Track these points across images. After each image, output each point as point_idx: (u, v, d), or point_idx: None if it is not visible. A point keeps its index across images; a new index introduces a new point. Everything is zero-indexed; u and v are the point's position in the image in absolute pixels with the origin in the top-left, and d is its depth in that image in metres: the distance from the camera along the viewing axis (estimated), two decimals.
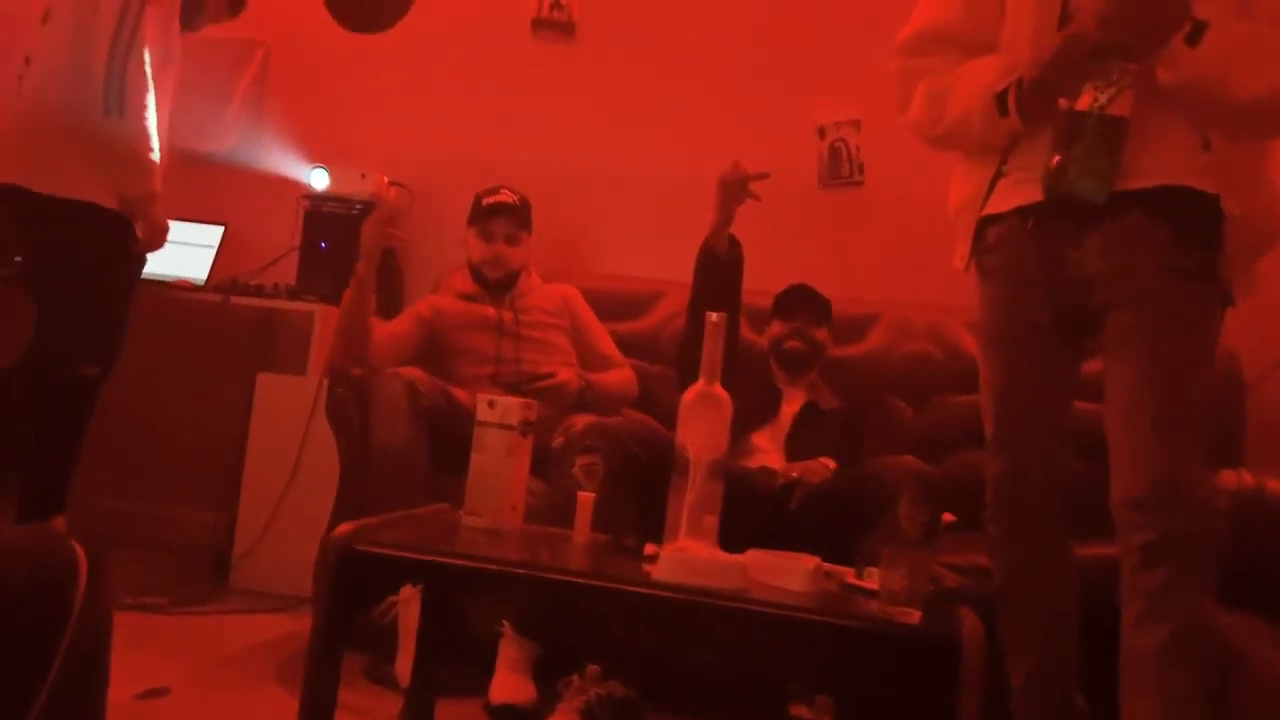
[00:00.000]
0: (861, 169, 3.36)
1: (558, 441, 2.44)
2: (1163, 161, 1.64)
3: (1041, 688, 1.72)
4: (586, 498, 1.81)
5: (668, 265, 3.04)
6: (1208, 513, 1.59)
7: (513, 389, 2.54)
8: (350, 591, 1.54)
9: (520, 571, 1.53)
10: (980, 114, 1.75)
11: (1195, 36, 1.57)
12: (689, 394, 1.78)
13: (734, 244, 2.63)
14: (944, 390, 2.96)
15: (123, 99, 2.43)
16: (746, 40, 3.43)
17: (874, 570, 1.63)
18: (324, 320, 3.19)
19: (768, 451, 2.58)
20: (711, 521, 1.68)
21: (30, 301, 2.49)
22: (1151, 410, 1.60)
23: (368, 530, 1.58)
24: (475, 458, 1.79)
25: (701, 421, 1.73)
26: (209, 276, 3.39)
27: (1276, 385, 2.89)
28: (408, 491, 2.29)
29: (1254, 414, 2.80)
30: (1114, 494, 1.61)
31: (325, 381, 2.72)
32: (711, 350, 1.77)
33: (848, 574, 1.67)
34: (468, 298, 2.91)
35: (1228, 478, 2.13)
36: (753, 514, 2.05)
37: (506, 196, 2.91)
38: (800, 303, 2.76)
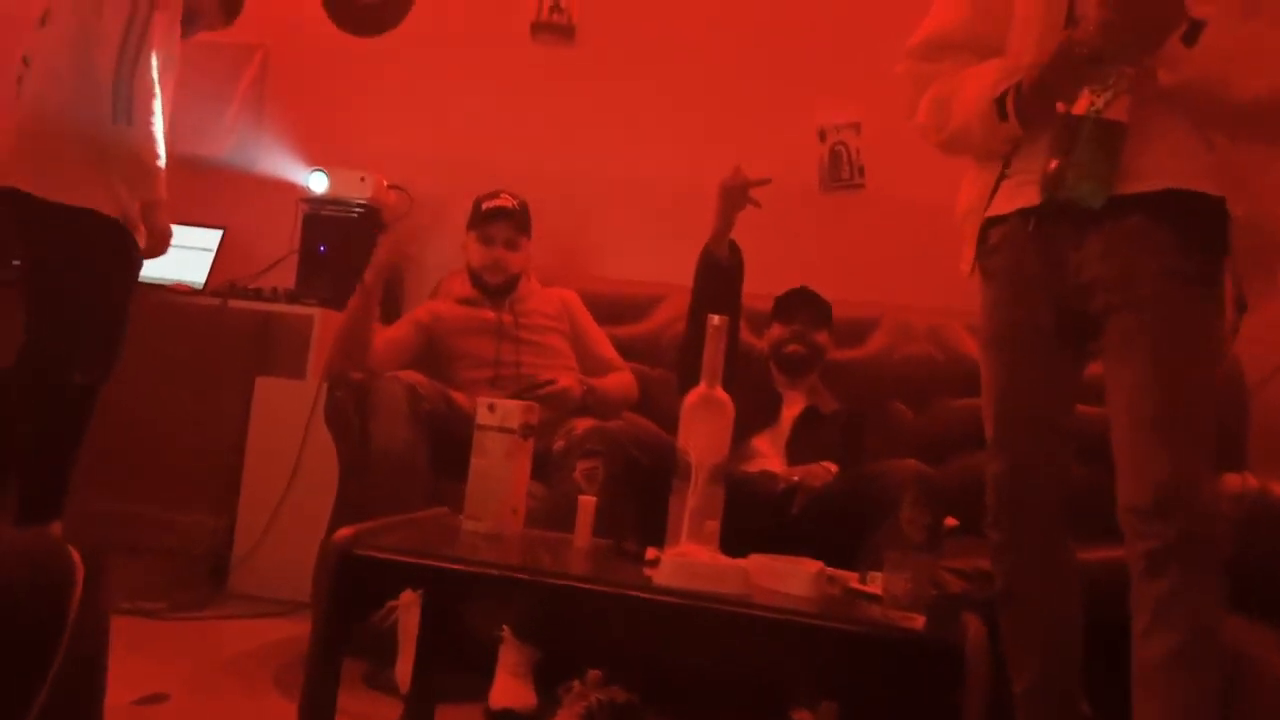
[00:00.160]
0: (862, 172, 3.36)
1: (558, 445, 2.43)
2: (1164, 164, 1.63)
3: (1045, 693, 1.71)
4: (588, 501, 1.80)
5: (667, 269, 3.03)
6: (1212, 517, 1.57)
7: (516, 396, 2.53)
8: (350, 596, 1.53)
9: (521, 576, 1.52)
10: (980, 119, 1.75)
11: (1192, 36, 1.56)
12: (690, 397, 1.77)
13: (734, 249, 2.62)
14: (945, 393, 2.95)
15: (131, 106, 2.42)
16: (746, 43, 3.43)
17: (877, 575, 1.62)
18: (323, 324, 3.19)
19: (768, 456, 2.58)
20: (713, 526, 1.67)
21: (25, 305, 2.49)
22: (1153, 416, 1.59)
23: (367, 535, 1.57)
24: (475, 461, 1.79)
25: (703, 425, 1.72)
26: (208, 280, 3.39)
27: (1278, 389, 2.88)
28: (408, 495, 2.29)
29: (1257, 418, 2.79)
30: (1119, 502, 1.60)
31: (324, 385, 2.71)
32: (713, 353, 1.76)
33: (850, 578, 1.66)
34: (467, 302, 2.90)
35: (1232, 481, 2.11)
36: (754, 518, 2.04)
37: (506, 201, 2.91)
38: (800, 305, 2.75)
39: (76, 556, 1.13)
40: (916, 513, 1.66)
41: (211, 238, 3.46)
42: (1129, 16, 1.57)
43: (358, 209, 3.31)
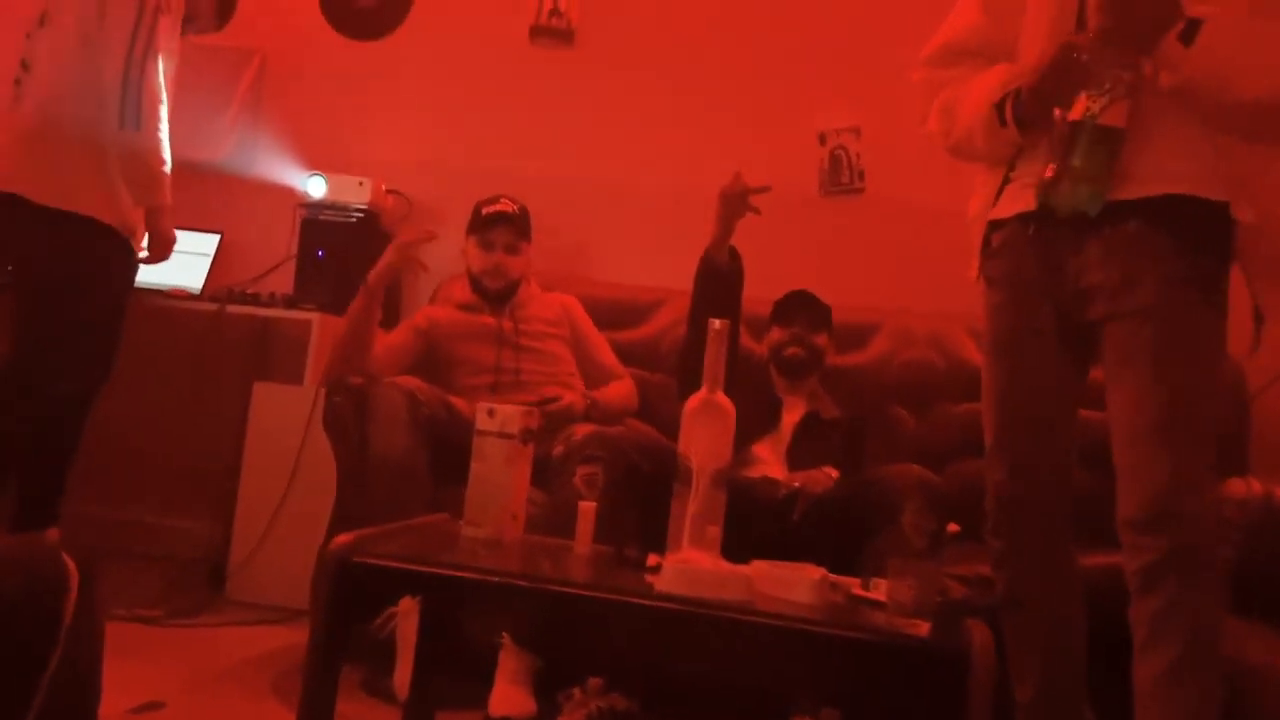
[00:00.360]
0: (862, 176, 3.35)
1: (558, 451, 2.42)
2: (1163, 168, 1.61)
3: (1049, 701, 1.69)
4: (588, 507, 1.79)
5: (667, 273, 3.03)
6: (1211, 528, 1.55)
7: None
8: (348, 603, 1.53)
9: (521, 583, 1.52)
10: (982, 124, 1.75)
11: (1190, 35, 1.54)
12: (691, 402, 1.76)
13: (734, 255, 2.62)
14: (946, 398, 2.94)
15: (138, 111, 2.41)
16: (746, 46, 3.42)
17: (880, 581, 1.61)
18: (321, 329, 3.17)
19: (769, 462, 2.56)
20: (715, 532, 1.66)
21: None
22: (1149, 425, 1.57)
23: (366, 541, 1.56)
24: (475, 467, 1.78)
25: (704, 430, 1.71)
26: (205, 285, 3.37)
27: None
28: (406, 501, 2.27)
29: (1258, 423, 2.79)
30: (1118, 515, 1.59)
31: (322, 391, 2.69)
32: (714, 358, 1.75)
33: (853, 585, 1.65)
34: (466, 308, 2.89)
35: (1236, 486, 2.10)
36: (755, 524, 2.02)
37: (506, 206, 2.89)
38: (799, 308, 2.74)
39: (71, 563, 1.12)
40: (919, 519, 1.65)
41: (209, 242, 3.45)
42: (1125, 19, 1.56)
43: (356, 214, 3.30)
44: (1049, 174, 1.65)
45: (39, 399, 2.45)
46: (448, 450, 2.34)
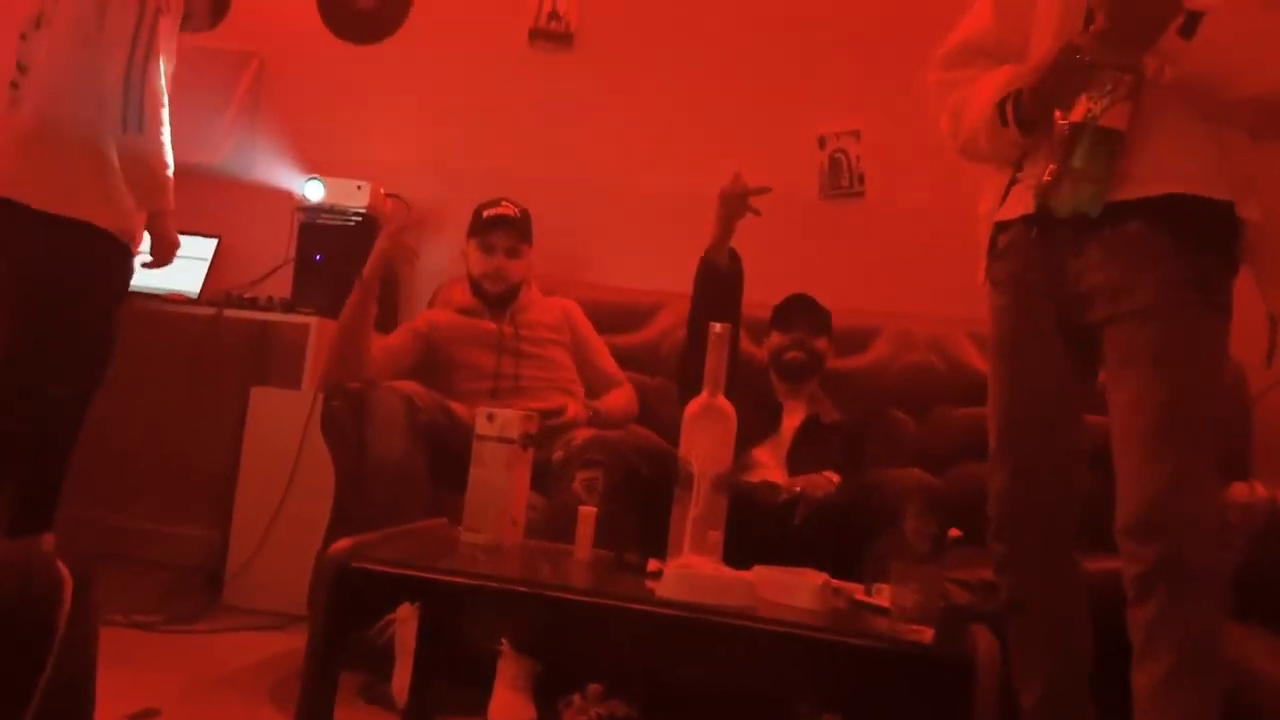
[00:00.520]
0: (862, 179, 3.34)
1: (558, 455, 2.41)
2: (1165, 167, 1.59)
3: (1053, 706, 1.68)
4: (588, 512, 1.78)
5: (666, 277, 3.03)
6: (1208, 535, 1.52)
7: None
8: (346, 609, 1.52)
9: (521, 589, 1.51)
10: (985, 124, 1.74)
11: (1189, 28, 1.52)
12: (692, 406, 1.75)
13: (734, 257, 2.62)
14: (946, 402, 2.94)
15: (141, 114, 2.39)
16: (746, 49, 3.41)
17: (883, 587, 1.60)
18: (319, 333, 3.16)
19: (769, 466, 2.55)
20: (716, 537, 1.65)
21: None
22: (1145, 429, 1.55)
23: (364, 547, 1.56)
24: (474, 472, 1.77)
25: (705, 434, 1.71)
26: (202, 289, 3.36)
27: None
28: (405, 507, 2.25)
29: (1261, 427, 2.77)
30: (1116, 521, 1.57)
31: (320, 395, 2.68)
32: (715, 361, 1.74)
33: (856, 590, 1.64)
34: (467, 312, 2.87)
35: (1240, 491, 2.09)
36: (756, 529, 2.01)
37: (507, 209, 2.88)
38: (799, 313, 2.73)
39: (65, 570, 1.11)
40: (921, 523, 1.64)
41: (206, 246, 3.44)
42: (1124, 17, 1.54)
43: (354, 217, 3.29)
44: (1048, 176, 1.64)
45: (33, 403, 2.43)
46: (446, 455, 2.33)
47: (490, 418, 1.78)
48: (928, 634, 1.40)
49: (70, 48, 2.41)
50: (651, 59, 3.46)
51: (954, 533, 2.03)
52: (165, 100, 2.45)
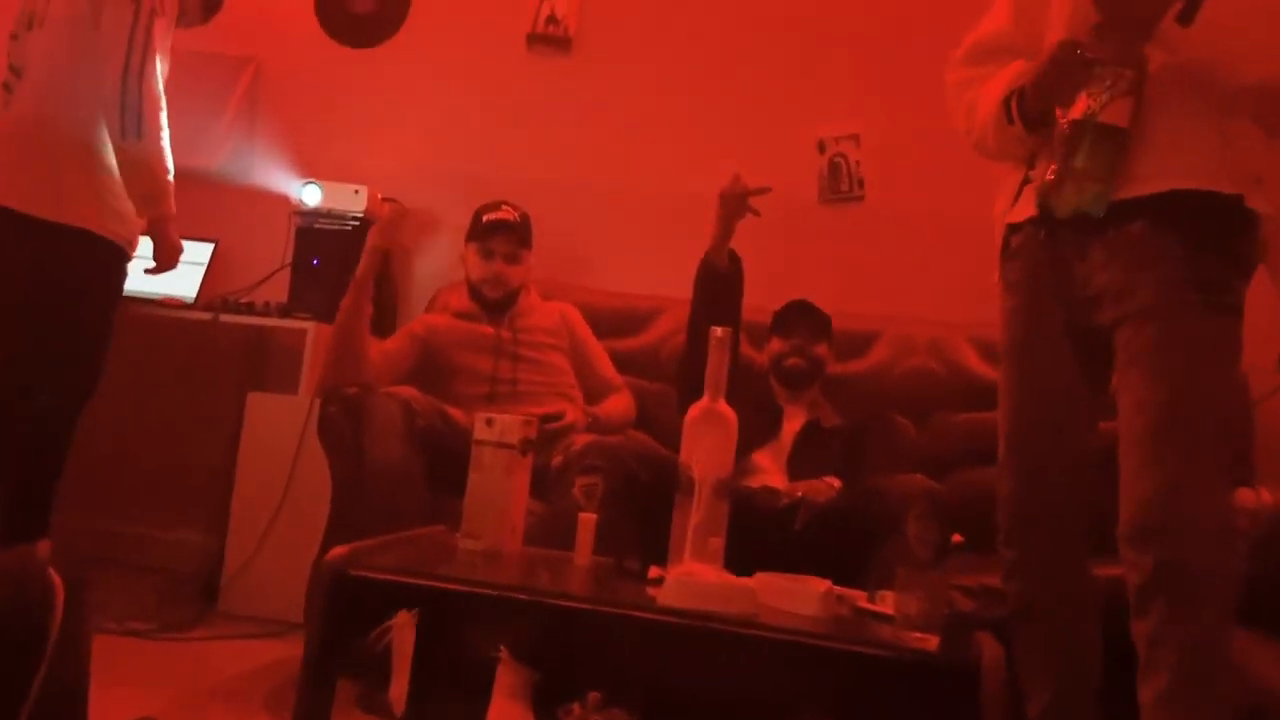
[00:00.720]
0: (861, 184, 3.33)
1: (556, 461, 2.39)
2: (1168, 163, 1.56)
3: (1061, 715, 1.65)
4: (588, 519, 1.77)
5: (665, 281, 3.02)
6: (1209, 542, 1.48)
7: None
8: (343, 617, 1.51)
9: (520, 596, 1.50)
10: (993, 122, 1.72)
11: (1188, 15, 1.49)
12: (693, 411, 1.74)
13: (734, 258, 2.61)
14: (946, 407, 2.93)
15: (139, 119, 2.36)
16: (745, 53, 3.40)
17: (887, 593, 1.58)
18: (316, 338, 3.15)
19: (770, 471, 2.54)
20: (717, 543, 1.64)
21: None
22: (1144, 433, 1.52)
23: (362, 554, 1.55)
24: (473, 477, 1.75)
25: (706, 439, 1.69)
26: (198, 294, 3.34)
27: None
28: (403, 513, 2.24)
29: (1263, 431, 2.76)
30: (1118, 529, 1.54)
31: (317, 401, 2.66)
32: (716, 366, 1.73)
33: (859, 597, 1.63)
34: (465, 316, 2.86)
35: (1246, 497, 2.07)
36: (756, 534, 1.99)
37: (507, 214, 2.86)
38: (799, 319, 2.72)
39: (57, 578, 1.09)
40: (923, 529, 1.62)
41: (203, 251, 3.42)
42: (1120, 8, 1.52)
43: (351, 222, 3.27)
44: (1050, 175, 1.62)
45: (25, 410, 2.41)
46: (444, 460, 2.32)
47: (489, 423, 1.76)
48: (932, 641, 1.38)
49: (66, 50, 2.38)
50: (650, 63, 3.45)
51: (956, 538, 2.02)
52: (164, 104, 2.42)
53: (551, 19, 3.51)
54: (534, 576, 1.68)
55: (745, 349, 2.76)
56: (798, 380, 2.68)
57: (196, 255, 3.41)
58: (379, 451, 2.39)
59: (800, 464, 2.54)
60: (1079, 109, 1.57)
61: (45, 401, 2.40)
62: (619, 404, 2.86)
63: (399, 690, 1.94)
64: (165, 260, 2.57)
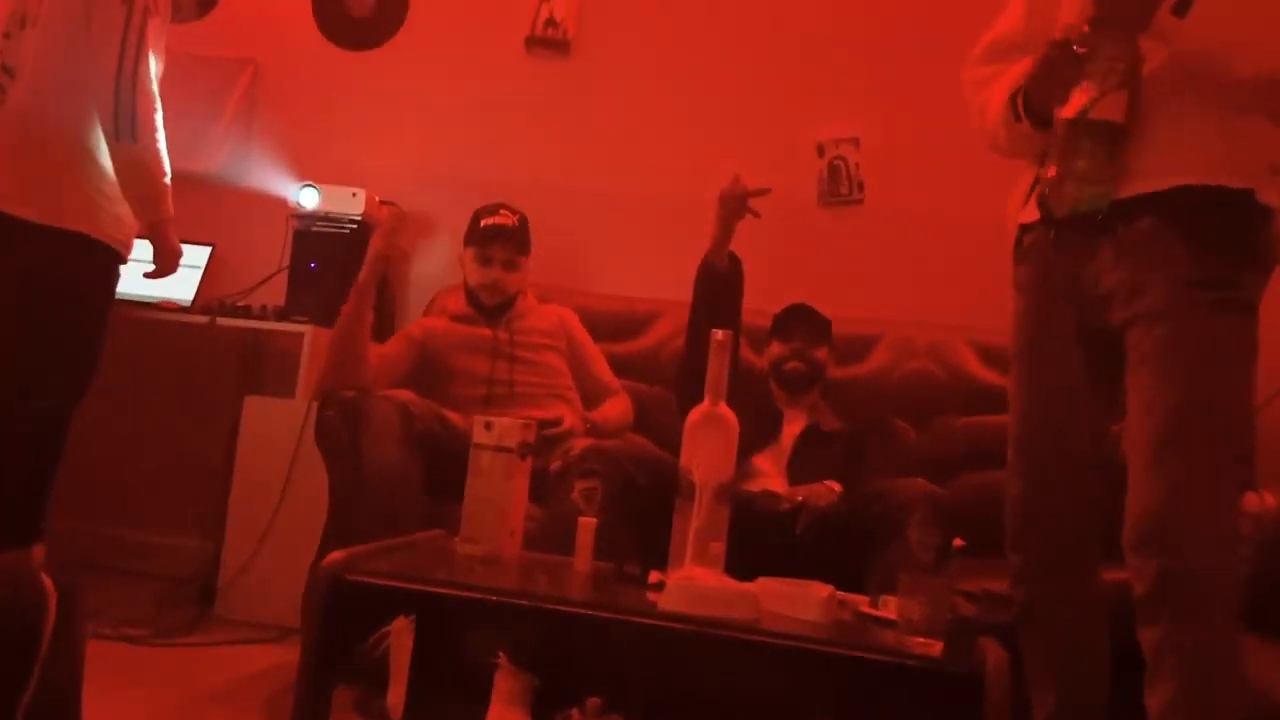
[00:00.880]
0: (861, 187, 3.32)
1: (555, 465, 2.38)
2: (1175, 159, 1.53)
3: None
4: (588, 523, 1.75)
5: (664, 285, 3.01)
6: (1213, 550, 1.44)
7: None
8: (341, 622, 1.50)
9: (519, 601, 1.49)
10: (1002, 119, 1.70)
11: (1183, 6, 1.47)
12: (694, 415, 1.72)
13: (734, 260, 2.60)
14: (946, 411, 2.92)
15: (133, 121, 2.33)
16: (744, 56, 3.40)
17: (889, 598, 1.57)
18: (313, 341, 3.13)
19: (770, 475, 2.53)
20: (718, 548, 1.63)
21: None
22: (1149, 437, 1.49)
23: (359, 559, 1.53)
24: (471, 482, 1.74)
25: (707, 443, 1.68)
26: (195, 297, 3.33)
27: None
28: (400, 518, 2.23)
29: (1265, 434, 2.75)
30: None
31: (314, 404, 2.65)
32: (717, 369, 1.72)
33: (861, 602, 1.61)
34: (462, 319, 2.85)
35: (1250, 501, 2.05)
36: (757, 538, 1.98)
37: (505, 218, 2.85)
38: (799, 323, 2.71)
39: (49, 584, 1.07)
40: (925, 533, 1.61)
41: (200, 254, 3.40)
42: (1116, 4, 1.50)
43: (349, 225, 3.26)
44: (1050, 174, 1.60)
45: (18, 414, 2.38)
46: (442, 464, 2.30)
47: (488, 426, 1.75)
48: (936, 647, 1.37)
49: (60, 49, 2.35)
50: (648, 66, 3.44)
51: (957, 543, 2.00)
52: (158, 104, 2.40)
53: (550, 22, 3.51)
54: (533, 581, 1.66)
55: (745, 352, 2.75)
56: (797, 384, 2.66)
57: (193, 258, 3.38)
58: (376, 455, 2.37)
59: (800, 468, 2.52)
60: (1073, 107, 1.55)
61: (38, 405, 2.38)
62: (616, 408, 2.84)
63: (397, 696, 1.92)
64: (165, 265, 2.54)
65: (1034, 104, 1.64)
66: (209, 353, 3.36)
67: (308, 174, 3.37)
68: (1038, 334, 1.71)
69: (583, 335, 2.94)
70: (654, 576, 1.64)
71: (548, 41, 3.51)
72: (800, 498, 2.30)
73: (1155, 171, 1.54)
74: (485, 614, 1.50)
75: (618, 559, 1.71)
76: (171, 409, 3.44)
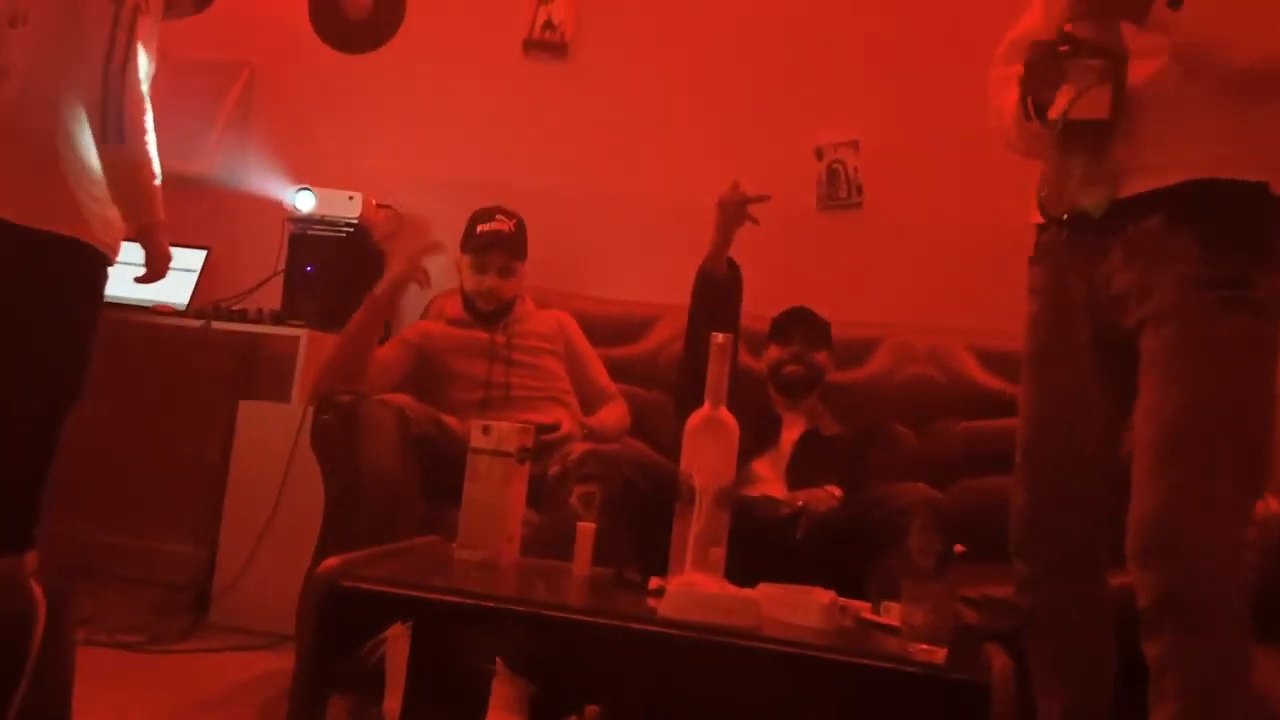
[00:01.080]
0: (860, 190, 3.31)
1: (553, 470, 2.36)
2: (1183, 153, 1.49)
3: None
4: (587, 528, 1.73)
5: (662, 289, 3.00)
6: (1217, 563, 1.39)
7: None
8: (336, 629, 1.48)
9: (517, 608, 1.47)
10: (1015, 120, 1.68)
11: None
12: (694, 419, 1.71)
13: (732, 266, 2.59)
14: (946, 415, 2.91)
15: (121, 122, 2.30)
16: (742, 60, 3.39)
17: (892, 605, 1.55)
18: (309, 345, 3.12)
19: (769, 480, 2.51)
20: (719, 554, 1.61)
21: None
22: (1153, 443, 1.45)
23: (355, 565, 1.52)
24: (469, 487, 1.72)
25: (707, 447, 1.67)
26: (190, 301, 3.31)
27: None
28: (397, 523, 2.21)
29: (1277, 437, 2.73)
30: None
31: (310, 409, 2.63)
32: (717, 373, 1.70)
33: (864, 608, 1.60)
34: (459, 323, 2.83)
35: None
36: (756, 544, 1.96)
37: (501, 224, 2.83)
38: (798, 326, 2.69)
39: (39, 591, 1.05)
40: (926, 539, 1.59)
41: (195, 258, 3.39)
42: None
43: (346, 228, 3.25)
44: (1044, 175, 1.59)
45: (7, 419, 2.36)
46: (439, 469, 2.28)
47: (486, 430, 1.73)
48: (940, 654, 1.35)
49: (49, 48, 2.33)
50: (647, 69, 3.43)
51: (958, 548, 1.98)
52: (148, 106, 2.37)
53: (548, 25, 3.50)
54: (531, 587, 1.65)
55: (743, 356, 2.73)
56: (796, 388, 2.65)
57: (189, 262, 3.38)
58: (372, 460, 2.35)
59: (799, 473, 2.51)
60: (1057, 107, 1.54)
61: (28, 411, 2.35)
62: (614, 414, 2.83)
63: (393, 704, 1.90)
64: (155, 269, 2.52)
65: (1035, 100, 1.63)
66: (204, 357, 3.35)
67: (304, 177, 3.36)
68: (1050, 338, 1.67)
69: (581, 340, 2.92)
70: (653, 582, 1.63)
71: (546, 44, 3.50)
72: (800, 503, 2.28)
73: (1161, 167, 1.51)
74: (482, 620, 1.48)
75: (617, 565, 1.70)
76: (166, 414, 3.43)
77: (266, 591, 2.91)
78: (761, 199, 2.49)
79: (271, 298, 3.31)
